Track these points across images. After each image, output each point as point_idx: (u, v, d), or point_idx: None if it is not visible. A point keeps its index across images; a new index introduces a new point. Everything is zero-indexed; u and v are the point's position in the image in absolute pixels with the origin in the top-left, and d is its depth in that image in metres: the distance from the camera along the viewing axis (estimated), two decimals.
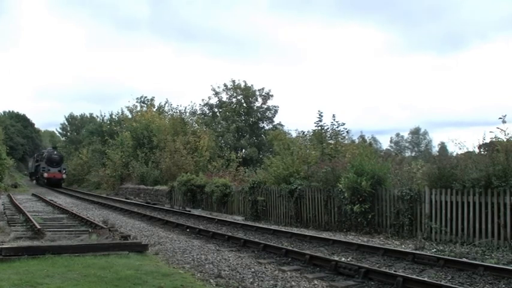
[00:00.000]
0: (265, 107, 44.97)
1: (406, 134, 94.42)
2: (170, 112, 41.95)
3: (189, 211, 19.78)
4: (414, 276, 6.90)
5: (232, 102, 44.60)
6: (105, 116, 54.39)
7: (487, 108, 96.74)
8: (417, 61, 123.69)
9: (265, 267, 7.91)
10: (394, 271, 7.49)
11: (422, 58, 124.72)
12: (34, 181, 55.27)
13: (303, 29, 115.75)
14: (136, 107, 45.54)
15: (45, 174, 46.53)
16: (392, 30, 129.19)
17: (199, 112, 43.33)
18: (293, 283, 6.82)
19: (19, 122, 78.18)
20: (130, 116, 44.41)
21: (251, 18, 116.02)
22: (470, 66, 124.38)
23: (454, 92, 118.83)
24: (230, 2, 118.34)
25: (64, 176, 47.71)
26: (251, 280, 6.97)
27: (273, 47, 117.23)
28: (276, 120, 45.01)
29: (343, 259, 8.62)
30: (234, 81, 44.52)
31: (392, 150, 64.95)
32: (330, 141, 19.16)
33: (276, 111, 44.82)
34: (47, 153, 48.88)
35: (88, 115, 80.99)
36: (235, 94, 44.67)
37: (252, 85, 44.46)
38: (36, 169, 52.37)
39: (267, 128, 44.62)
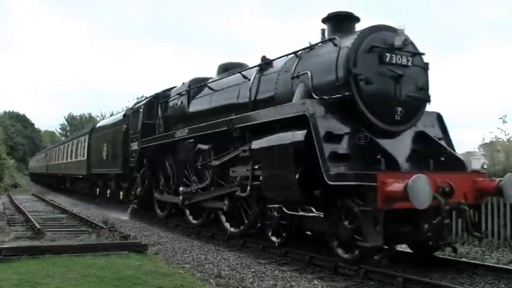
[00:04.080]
0: None
1: None
2: None
3: None
4: (414, 277, 6.89)
5: None
6: (105, 115, 54.48)
7: (487, 109, 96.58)
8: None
9: (265, 267, 7.90)
10: (394, 271, 7.48)
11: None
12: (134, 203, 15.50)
13: (299, 29, 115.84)
14: None
15: None
16: None
17: None
18: (293, 283, 6.81)
19: (19, 122, 78.10)
20: None
21: (250, 18, 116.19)
22: (470, 66, 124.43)
23: (454, 92, 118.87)
24: (230, 2, 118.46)
25: None
26: (251, 280, 6.97)
27: (272, 47, 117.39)
28: None
29: None
30: None
31: None
32: None
33: None
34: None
35: (87, 115, 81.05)
36: None
37: None
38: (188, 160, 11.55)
39: None
